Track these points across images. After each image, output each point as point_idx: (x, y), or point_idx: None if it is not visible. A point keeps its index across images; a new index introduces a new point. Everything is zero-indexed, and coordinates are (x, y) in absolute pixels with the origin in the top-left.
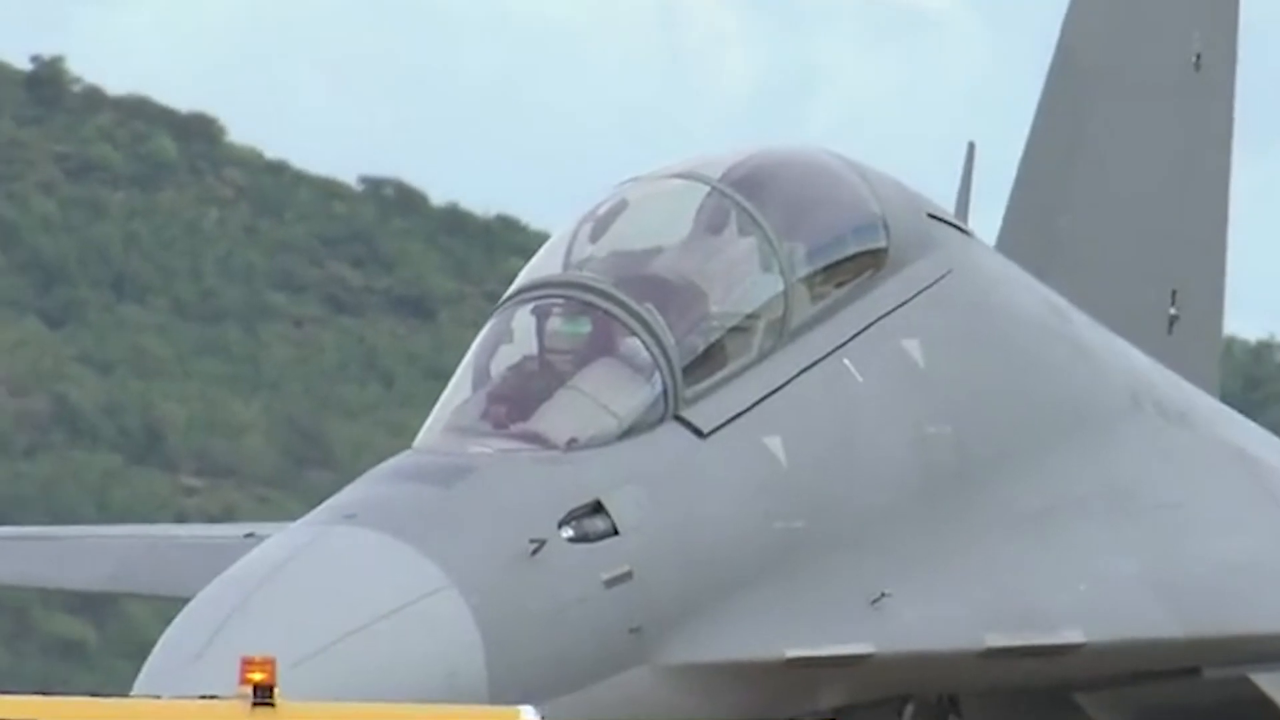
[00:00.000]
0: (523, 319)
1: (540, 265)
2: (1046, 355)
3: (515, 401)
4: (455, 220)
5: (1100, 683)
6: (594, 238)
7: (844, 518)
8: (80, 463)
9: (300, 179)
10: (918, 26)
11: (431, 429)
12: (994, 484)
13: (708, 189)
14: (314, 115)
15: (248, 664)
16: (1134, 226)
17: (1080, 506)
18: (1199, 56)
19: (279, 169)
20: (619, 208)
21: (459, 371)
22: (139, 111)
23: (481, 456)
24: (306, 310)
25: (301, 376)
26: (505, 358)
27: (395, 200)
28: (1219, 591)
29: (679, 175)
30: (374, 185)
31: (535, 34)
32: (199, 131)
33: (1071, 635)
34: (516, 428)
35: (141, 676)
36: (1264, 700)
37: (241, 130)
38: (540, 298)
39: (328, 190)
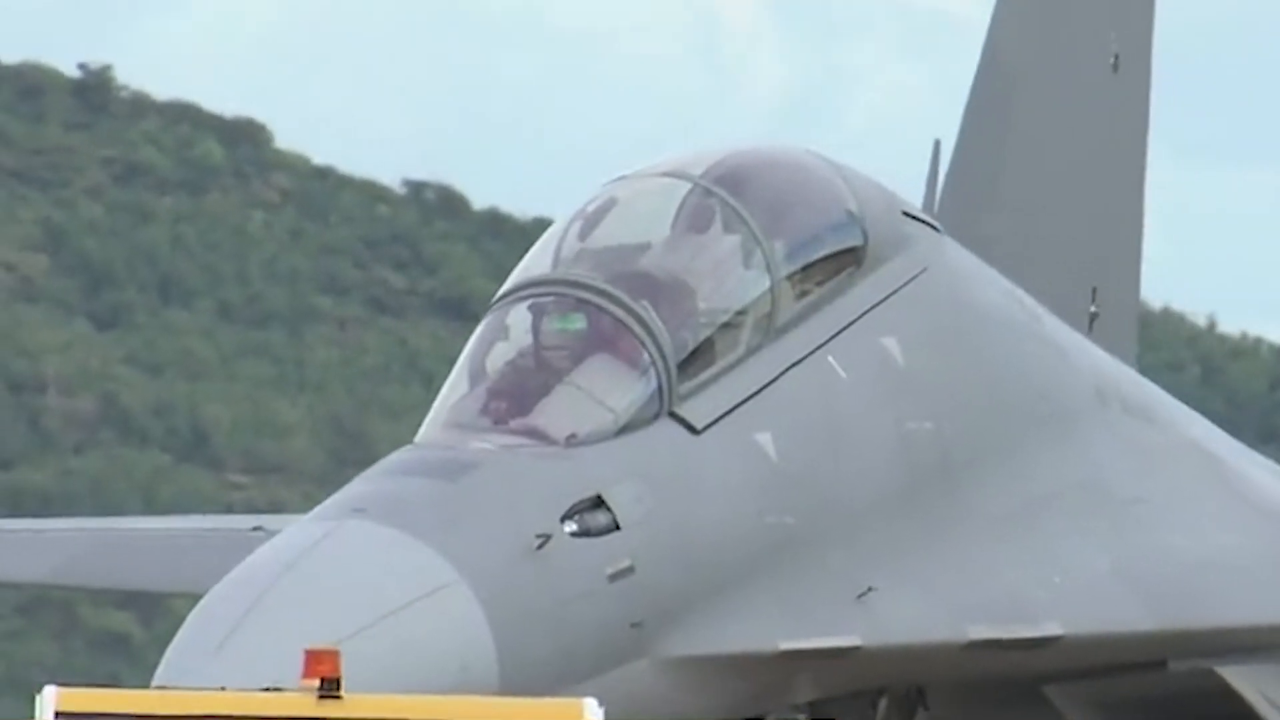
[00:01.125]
0: (519, 316)
1: (532, 263)
2: (1018, 352)
3: (514, 398)
4: (496, 223)
5: (1068, 675)
6: (584, 235)
7: (831, 513)
8: (129, 461)
9: (344, 183)
10: (947, 31)
11: (432, 424)
12: (973, 479)
13: (695, 187)
14: (358, 121)
15: (312, 656)
16: (1057, 226)
17: (1054, 501)
18: (1117, 57)
19: (324, 174)
20: (608, 205)
21: (457, 368)
22: (185, 117)
23: (484, 452)
24: (350, 312)
25: (345, 377)
26: (503, 355)
27: (437, 204)
28: (1188, 586)
29: (667, 174)
30: (416, 189)
31: (574, 38)
32: (245, 136)
33: (1050, 628)
34: (516, 423)
35: (160, 670)
36: (1229, 692)
37: (287, 136)
38: (536, 295)
39: (371, 194)
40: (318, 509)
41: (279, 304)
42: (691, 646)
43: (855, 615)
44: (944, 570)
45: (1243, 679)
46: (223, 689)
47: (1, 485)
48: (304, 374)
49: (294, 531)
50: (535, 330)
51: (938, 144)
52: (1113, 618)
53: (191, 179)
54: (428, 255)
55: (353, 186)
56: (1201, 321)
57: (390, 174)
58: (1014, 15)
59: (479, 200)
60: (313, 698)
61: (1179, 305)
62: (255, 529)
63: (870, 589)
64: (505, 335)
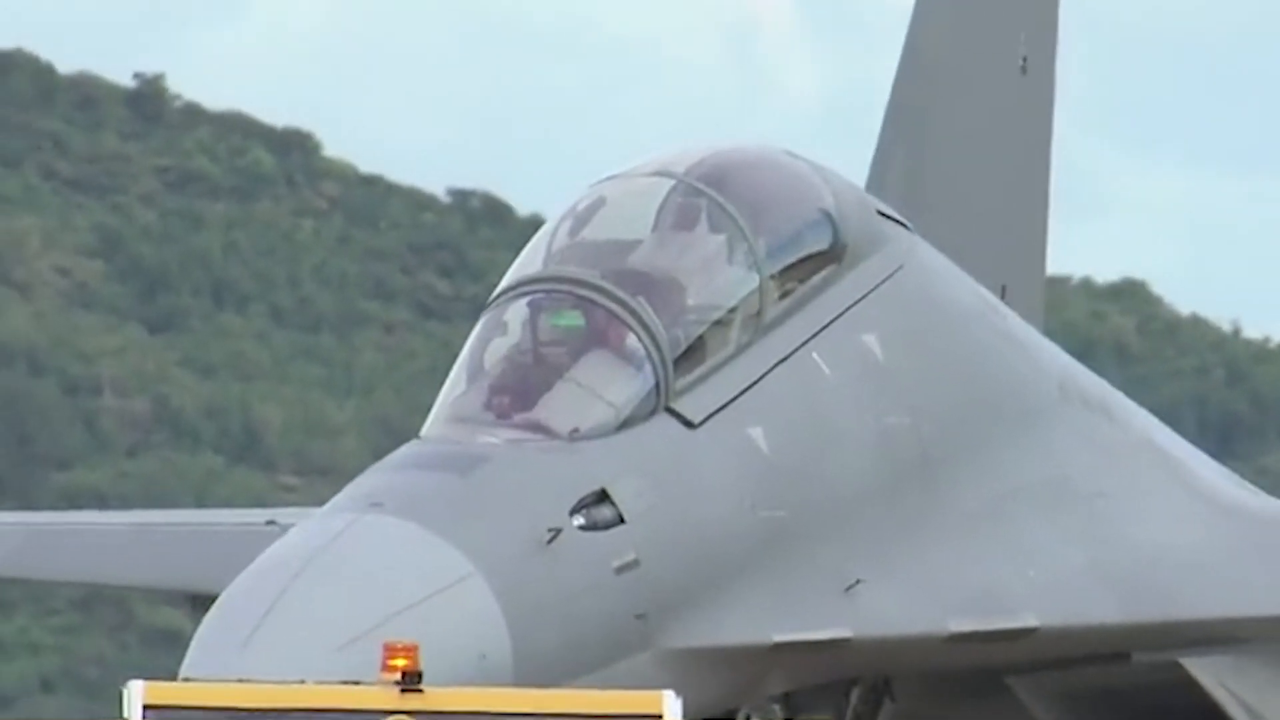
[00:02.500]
0: (519, 313)
1: (527, 261)
2: (988, 348)
3: (517, 393)
4: (539, 230)
5: (1035, 666)
6: (574, 233)
7: (819, 507)
8: (182, 462)
9: (391, 191)
10: None
11: (436, 419)
12: (949, 473)
13: (683, 185)
14: (405, 130)
15: (390, 650)
16: (971, 225)
17: (1024, 495)
18: (1025, 60)
19: (372, 182)
20: (597, 204)
21: (458, 364)
22: (236, 126)
23: (492, 446)
24: (397, 317)
25: (392, 380)
26: (504, 351)
27: (482, 211)
28: (1153, 579)
29: (655, 172)
30: (461, 197)
31: (615, 47)
32: (295, 145)
33: (1026, 620)
34: (520, 418)
35: (187, 662)
36: (1191, 683)
37: (336, 145)
38: (534, 292)
39: (418, 202)
40: (334, 502)
41: (328, 308)
42: (691, 639)
43: (844, 608)
44: (925, 563)
45: (1205, 671)
46: (302, 681)
47: (58, 486)
48: (352, 377)
49: (313, 525)
50: (534, 326)
51: None
52: (1085, 611)
53: (243, 187)
54: (472, 261)
55: (399, 194)
56: (1226, 327)
57: (436, 182)
58: (931, 20)
59: (522, 208)
60: (394, 691)
61: (1205, 311)
62: (269, 523)
63: (858, 581)
64: (505, 332)
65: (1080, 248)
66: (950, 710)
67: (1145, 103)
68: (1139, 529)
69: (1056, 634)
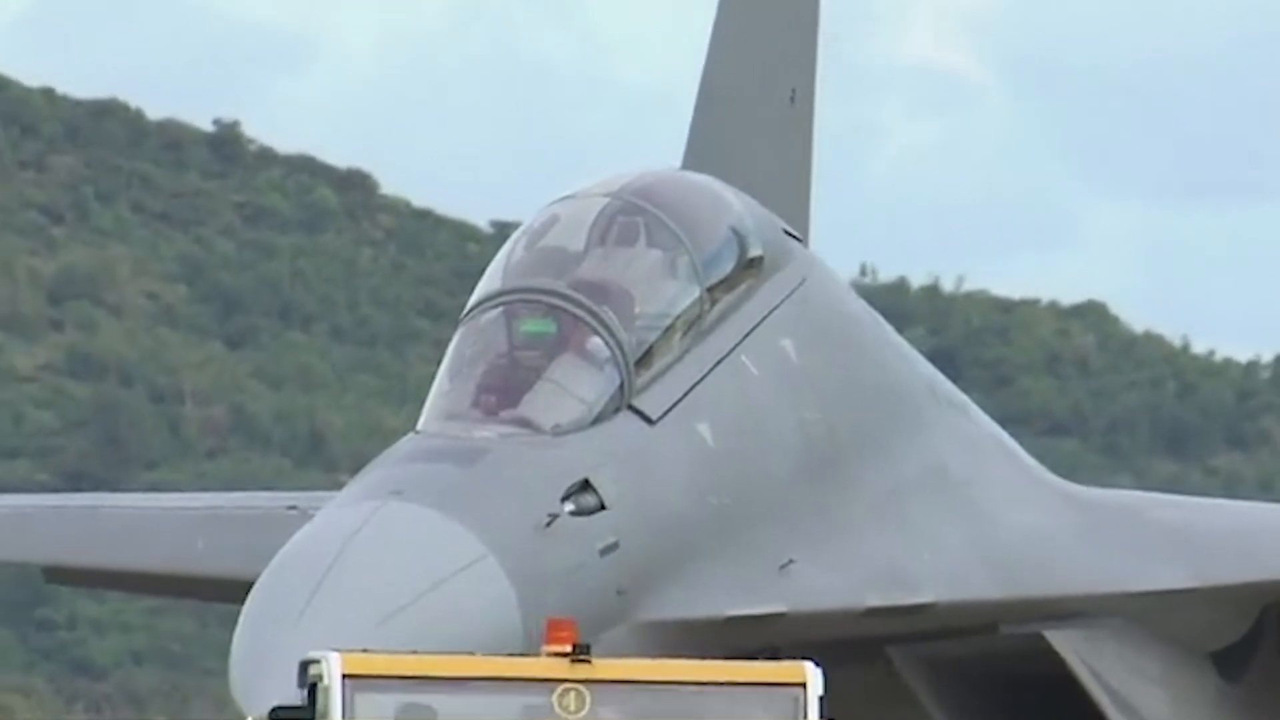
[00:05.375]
0: (497, 322)
1: (493, 275)
2: (876, 352)
3: (502, 392)
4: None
5: (922, 636)
6: (530, 247)
7: (756, 494)
8: (254, 463)
9: (440, 223)
10: (955, 95)
11: (430, 416)
12: (856, 463)
13: (629, 205)
14: (452, 170)
15: (553, 625)
16: None
17: (915, 483)
18: (794, 91)
19: (423, 215)
20: (551, 222)
21: (444, 369)
22: (304, 167)
23: (488, 440)
24: (445, 334)
25: None
26: (485, 355)
27: None
28: (1021, 558)
29: (604, 194)
30: (502, 228)
31: (642, 95)
32: (355, 184)
33: (925, 596)
34: (506, 414)
35: (239, 636)
36: (1050, 652)
37: (391, 183)
38: (508, 302)
39: (463, 233)
40: (355, 490)
41: (384, 327)
42: (661, 612)
43: (780, 585)
44: (842, 545)
45: (1062, 641)
46: (472, 654)
47: (145, 485)
48: (405, 387)
49: (344, 511)
50: (512, 332)
51: None
52: (970, 587)
53: (309, 220)
54: None
55: (447, 226)
56: (1177, 343)
57: (479, 215)
58: (720, 55)
59: None
60: (565, 661)
61: (1158, 329)
62: (290, 508)
63: (791, 561)
64: (485, 338)
65: (1047, 273)
66: (831, 674)
67: (1108, 147)
68: (1004, 513)
69: (948, 608)
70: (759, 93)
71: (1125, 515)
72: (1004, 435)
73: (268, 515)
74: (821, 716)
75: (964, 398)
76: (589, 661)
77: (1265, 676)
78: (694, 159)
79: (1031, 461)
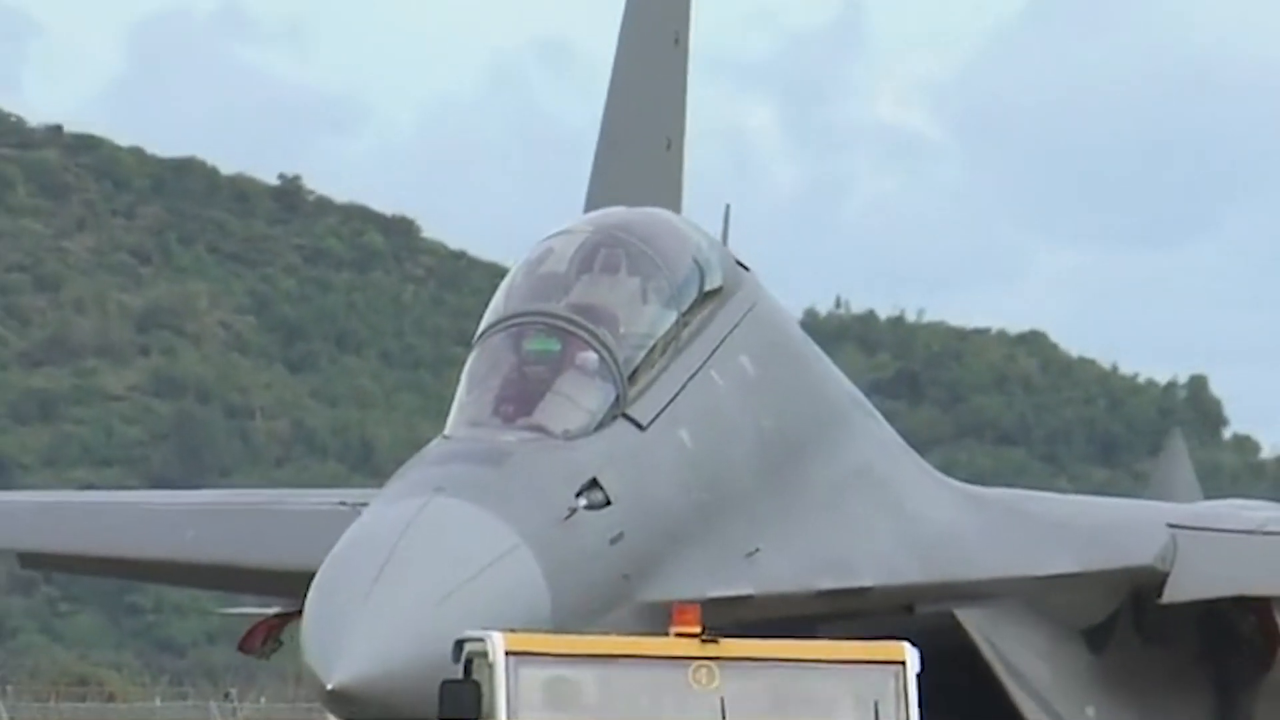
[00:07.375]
0: (507, 342)
1: (500, 302)
2: (813, 366)
3: (518, 402)
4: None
5: (855, 615)
6: (531, 275)
7: (728, 491)
8: (314, 470)
9: (474, 264)
10: (916, 151)
11: (456, 423)
12: (804, 463)
13: (614, 239)
14: (486, 216)
15: (680, 610)
16: None
17: (849, 481)
18: (670, 140)
19: (459, 256)
20: (546, 254)
21: (465, 383)
22: (356, 214)
23: (510, 443)
24: None
25: None
26: (500, 370)
27: None
28: (938, 546)
29: (595, 229)
30: None
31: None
32: (400, 229)
33: (864, 580)
34: (523, 421)
35: (307, 616)
36: (959, 630)
37: (432, 228)
38: (518, 325)
39: (494, 272)
40: (400, 486)
41: (426, 353)
42: (658, 595)
43: (748, 571)
44: (798, 535)
45: (969, 620)
46: (608, 635)
47: (220, 489)
48: (444, 405)
49: (396, 505)
50: (521, 351)
51: (728, 208)
52: (899, 572)
53: (361, 260)
54: None
55: (480, 266)
56: (1108, 366)
57: (508, 256)
58: (612, 106)
59: None
60: (696, 641)
61: (1091, 354)
62: (340, 503)
63: (756, 550)
64: (498, 356)
65: (997, 306)
66: None
67: (1050, 197)
68: (919, 507)
69: (882, 591)
70: (641, 140)
71: (1014, 510)
72: (902, 440)
73: (316, 511)
74: (920, 693)
75: (872, 407)
76: (717, 641)
77: (1122, 649)
78: (592, 198)
79: (925, 463)
